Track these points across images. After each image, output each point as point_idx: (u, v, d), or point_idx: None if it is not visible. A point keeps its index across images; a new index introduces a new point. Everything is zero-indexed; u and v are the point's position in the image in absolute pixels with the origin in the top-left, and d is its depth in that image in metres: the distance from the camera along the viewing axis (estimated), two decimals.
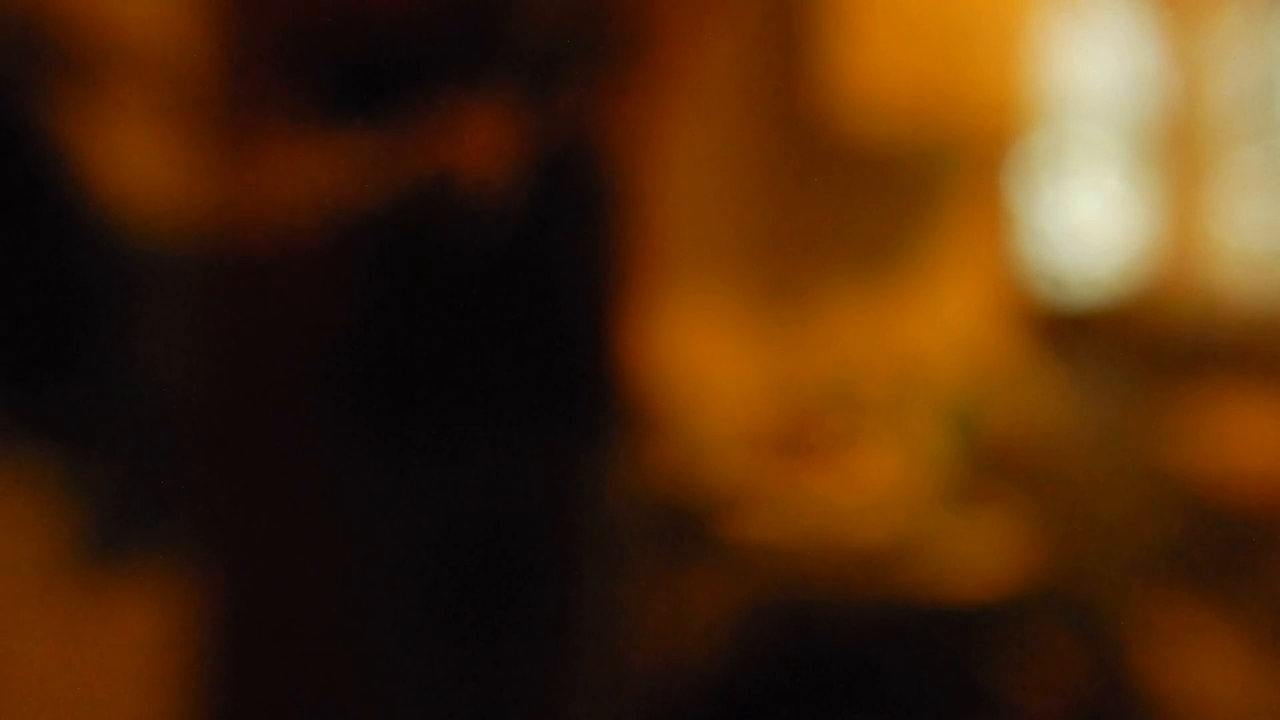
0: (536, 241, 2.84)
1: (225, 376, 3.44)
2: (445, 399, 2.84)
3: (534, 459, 2.84)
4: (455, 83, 2.79)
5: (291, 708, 3.34)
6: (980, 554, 3.73)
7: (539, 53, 2.84)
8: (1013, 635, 3.68)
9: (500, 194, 2.79)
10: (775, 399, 4.17)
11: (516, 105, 2.79)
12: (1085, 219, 4.81)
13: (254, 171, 2.94)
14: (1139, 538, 3.97)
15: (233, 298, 3.41)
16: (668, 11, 2.92)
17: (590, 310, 2.88)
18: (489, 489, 2.83)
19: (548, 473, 2.85)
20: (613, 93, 2.89)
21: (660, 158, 3.02)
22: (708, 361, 4.11)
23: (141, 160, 3.26)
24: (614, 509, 2.90)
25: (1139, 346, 4.61)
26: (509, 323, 2.84)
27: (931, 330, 4.37)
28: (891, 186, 4.36)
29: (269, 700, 3.42)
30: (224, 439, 3.44)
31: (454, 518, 2.82)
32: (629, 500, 2.93)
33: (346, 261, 2.87)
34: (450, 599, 2.83)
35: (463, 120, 2.77)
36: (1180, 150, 4.79)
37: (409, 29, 2.82)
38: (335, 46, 2.83)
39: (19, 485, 3.18)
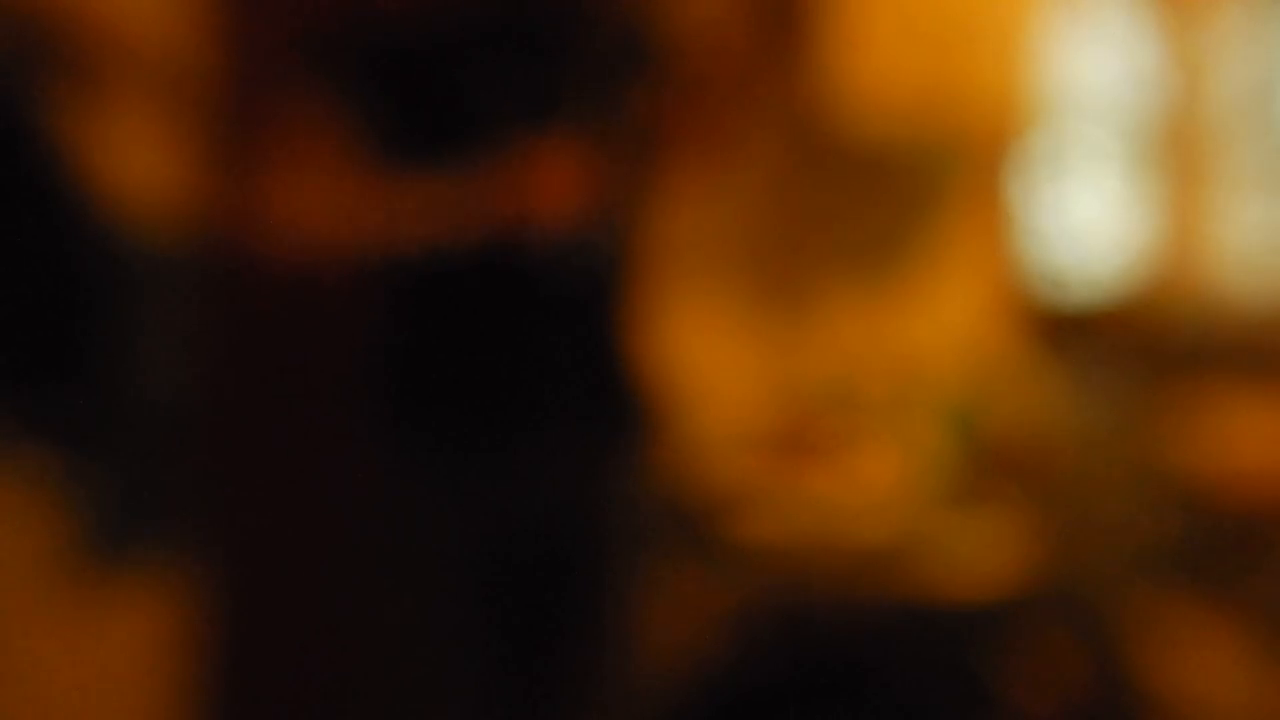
0: (578, 261, 2.85)
1: (228, 376, 3.44)
2: (470, 403, 2.83)
3: (561, 462, 2.84)
4: (523, 114, 2.80)
5: (294, 707, 3.34)
6: (980, 554, 3.73)
7: (599, 60, 2.84)
8: (1013, 635, 3.68)
9: (573, 233, 2.81)
10: (775, 399, 4.17)
11: (588, 144, 2.80)
12: (1085, 219, 4.81)
13: (263, 174, 2.94)
14: (1139, 538, 3.97)
15: (237, 298, 3.41)
16: (728, 39, 2.94)
17: (613, 313, 2.89)
18: (516, 491, 2.83)
19: (575, 475, 2.85)
20: (670, 107, 2.90)
21: (699, 171, 3.03)
22: (708, 362, 4.11)
23: (143, 160, 3.26)
24: (635, 509, 2.90)
25: (1139, 346, 4.61)
26: (535, 328, 2.84)
27: (931, 330, 4.37)
28: (892, 187, 4.36)
29: (271, 700, 3.42)
30: (227, 439, 3.44)
31: (480, 519, 2.82)
32: (642, 500, 2.93)
33: (370, 274, 2.87)
34: (475, 600, 2.83)
35: (538, 161, 2.78)
36: (1180, 150, 4.79)
37: (439, 23, 2.82)
38: (356, 45, 2.82)
39: (19, 485, 3.18)
